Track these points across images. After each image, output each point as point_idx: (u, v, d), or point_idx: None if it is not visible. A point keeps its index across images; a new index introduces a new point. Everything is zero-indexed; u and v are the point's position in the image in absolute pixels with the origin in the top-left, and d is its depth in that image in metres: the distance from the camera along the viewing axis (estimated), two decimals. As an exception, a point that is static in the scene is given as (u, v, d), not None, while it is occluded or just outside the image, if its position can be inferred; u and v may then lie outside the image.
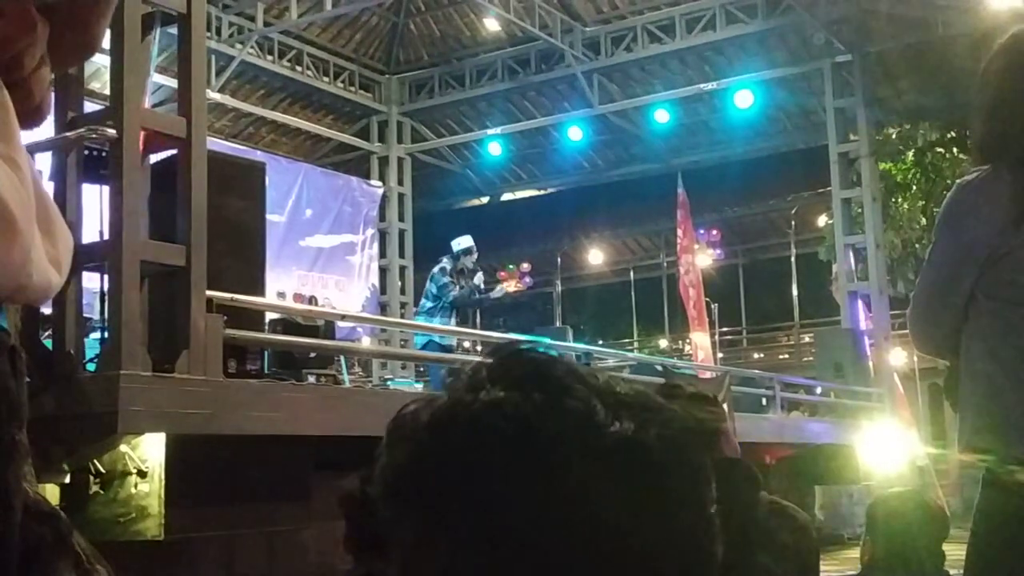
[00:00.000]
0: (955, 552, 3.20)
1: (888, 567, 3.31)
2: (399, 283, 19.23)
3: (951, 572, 3.27)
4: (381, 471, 0.72)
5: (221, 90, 15.99)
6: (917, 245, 18.16)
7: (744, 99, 17.18)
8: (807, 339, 26.01)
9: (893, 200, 18.78)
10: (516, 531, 0.65)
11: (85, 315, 5.77)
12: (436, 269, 11.87)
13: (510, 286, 13.73)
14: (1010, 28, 2.46)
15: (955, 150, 18.37)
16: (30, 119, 0.88)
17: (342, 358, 10.35)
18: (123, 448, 5.20)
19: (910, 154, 18.99)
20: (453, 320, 11.79)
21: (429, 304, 11.74)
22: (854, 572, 3.59)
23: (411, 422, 0.72)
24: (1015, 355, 2.24)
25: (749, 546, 2.37)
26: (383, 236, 19.09)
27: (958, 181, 2.41)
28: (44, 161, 5.68)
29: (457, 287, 11.61)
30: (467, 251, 11.80)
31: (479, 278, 11.91)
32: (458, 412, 0.70)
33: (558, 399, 0.69)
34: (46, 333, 5.59)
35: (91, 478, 5.27)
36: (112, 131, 5.27)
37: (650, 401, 0.73)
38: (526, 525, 0.65)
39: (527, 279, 24.94)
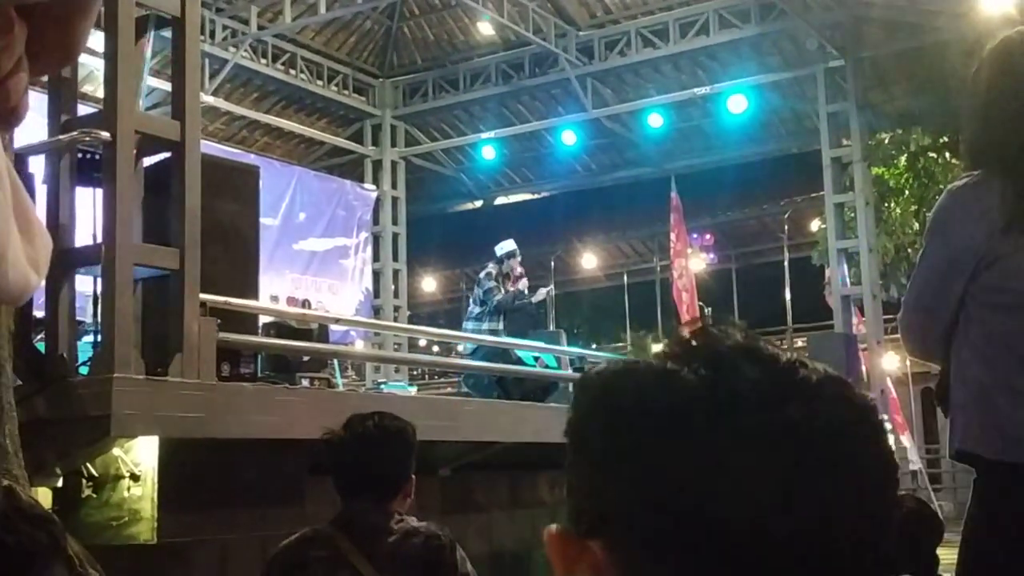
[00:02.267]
0: (948, 556, 3.21)
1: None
2: (392, 287, 19.22)
3: (943, 576, 3.28)
4: (568, 422, 0.77)
5: (215, 93, 15.98)
6: (910, 250, 18.18)
7: (738, 104, 17.21)
8: (800, 343, 26.01)
9: (886, 205, 18.80)
10: (665, 505, 0.68)
11: (78, 318, 5.76)
12: (482, 274, 12.02)
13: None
14: (1001, 34, 2.47)
15: (948, 155, 18.39)
16: (6, 121, 0.88)
17: (335, 362, 10.35)
18: (116, 452, 5.19)
19: (903, 159, 19.02)
20: (501, 324, 11.86)
21: (477, 309, 11.87)
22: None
23: (593, 379, 0.76)
24: (1004, 360, 2.25)
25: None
26: (376, 240, 19.08)
27: (948, 187, 2.42)
28: (37, 164, 5.67)
29: (502, 291, 11.71)
30: (510, 254, 11.92)
31: (523, 283, 11.99)
32: (629, 376, 0.73)
33: (722, 377, 0.70)
34: (39, 336, 5.58)
35: (84, 482, 5.26)
36: (106, 134, 5.27)
37: (830, 385, 0.75)
38: (677, 502, 0.68)
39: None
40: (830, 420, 0.72)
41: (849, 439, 0.72)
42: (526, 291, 12.06)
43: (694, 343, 0.74)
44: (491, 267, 11.92)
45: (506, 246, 11.97)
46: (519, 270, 11.95)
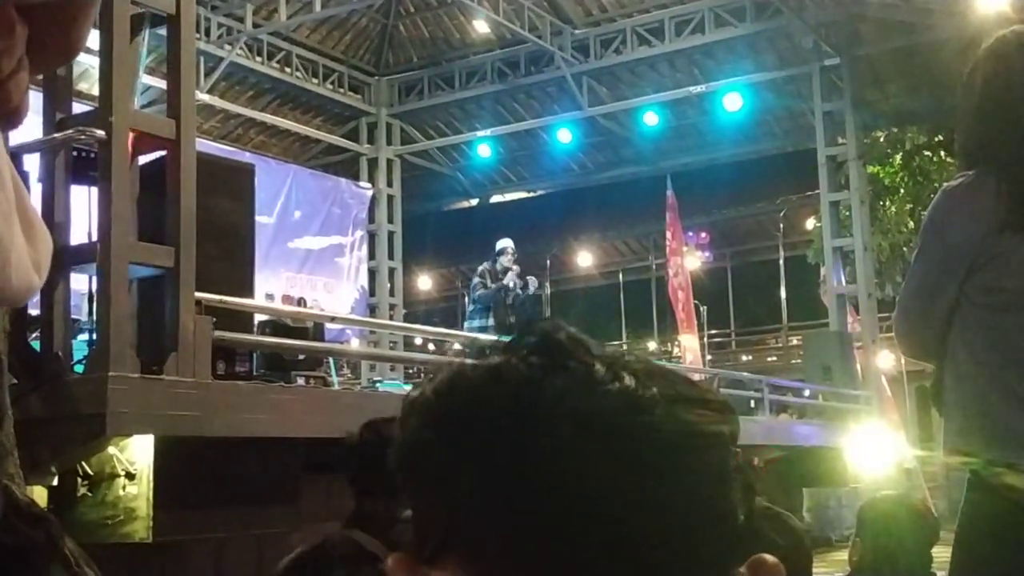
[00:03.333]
0: (942, 555, 3.22)
1: (876, 570, 3.32)
2: (388, 285, 19.23)
3: (938, 575, 3.29)
4: (395, 446, 0.71)
5: (210, 91, 15.97)
6: (905, 248, 18.23)
7: (733, 102, 17.23)
8: (795, 342, 26.08)
9: (881, 203, 18.86)
10: (512, 497, 0.64)
11: (73, 317, 5.76)
12: (479, 268, 12.23)
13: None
14: (996, 33, 2.47)
15: (943, 153, 18.45)
16: (7, 122, 0.88)
17: (331, 360, 10.34)
18: (111, 450, 5.19)
19: (898, 157, 19.08)
20: (490, 320, 11.93)
21: (471, 307, 12.05)
22: (842, 574, 3.60)
23: (418, 395, 0.71)
24: (999, 359, 2.25)
25: (743, 551, 2.38)
26: (372, 238, 19.08)
27: (943, 186, 2.42)
28: (32, 162, 5.66)
29: (483, 287, 11.81)
30: (501, 252, 12.05)
31: (510, 276, 12.04)
32: (457, 381, 0.69)
33: (557, 363, 0.67)
34: (34, 335, 5.57)
35: (79, 480, 5.26)
36: (101, 132, 5.26)
37: (660, 369, 0.71)
38: (520, 491, 0.64)
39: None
40: (663, 393, 0.68)
41: (688, 415, 0.68)
42: (511, 285, 12.08)
43: (525, 336, 0.70)
44: (485, 265, 12.02)
45: (498, 244, 12.08)
46: (507, 266, 12.01)
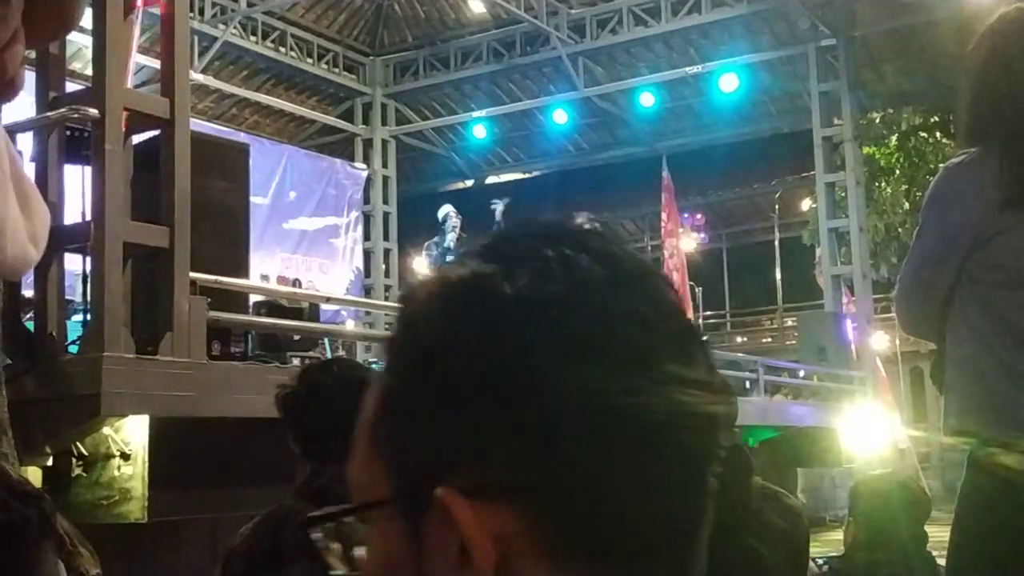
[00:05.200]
0: (936, 534, 3.22)
1: (870, 548, 3.33)
2: (383, 266, 19.21)
3: (932, 553, 3.29)
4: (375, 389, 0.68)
5: (204, 71, 15.90)
6: (900, 229, 18.25)
7: (729, 83, 17.20)
8: (790, 323, 26.12)
9: (876, 184, 18.87)
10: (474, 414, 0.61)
11: (67, 297, 5.74)
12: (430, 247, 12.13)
13: None
14: (996, 12, 2.46)
15: (938, 135, 18.45)
16: (2, 94, 0.87)
17: (326, 341, 10.34)
18: (106, 431, 5.18)
19: (893, 138, 19.07)
20: None
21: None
22: (837, 554, 3.61)
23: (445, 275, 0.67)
24: (1000, 338, 2.25)
25: (740, 530, 2.38)
26: (367, 219, 19.06)
27: (944, 165, 2.41)
28: (25, 141, 5.63)
29: (430, 255, 11.79)
30: (443, 219, 11.94)
31: (450, 238, 11.93)
32: (417, 288, 0.66)
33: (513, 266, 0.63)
34: (28, 315, 5.56)
35: (73, 460, 5.25)
36: (94, 111, 5.23)
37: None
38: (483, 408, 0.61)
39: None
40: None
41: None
42: (451, 244, 11.95)
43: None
44: (434, 239, 12.04)
45: (440, 212, 12.06)
46: (450, 231, 11.97)
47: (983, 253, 2.26)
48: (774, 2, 16.19)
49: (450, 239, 11.93)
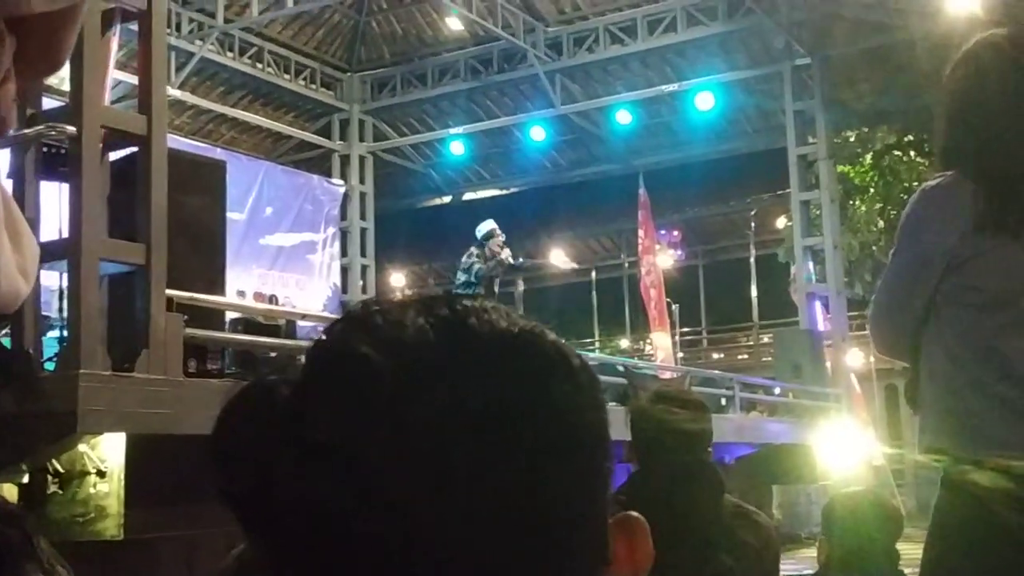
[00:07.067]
0: (909, 552, 3.25)
1: (844, 566, 3.35)
2: (361, 282, 19.19)
3: (906, 571, 3.31)
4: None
5: (181, 87, 15.88)
6: (875, 247, 18.35)
7: (705, 101, 17.30)
8: (766, 340, 26.18)
9: (851, 202, 18.96)
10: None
11: (43, 313, 5.72)
12: (464, 257, 12.02)
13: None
14: (969, 34, 2.49)
15: (912, 153, 18.58)
16: None
17: (303, 358, 10.30)
18: (82, 448, 5.16)
19: (868, 157, 19.19)
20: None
21: (462, 283, 11.85)
22: (811, 571, 3.63)
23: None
24: (974, 359, 2.27)
25: (712, 547, 2.40)
26: (344, 235, 19.04)
27: (920, 187, 2.44)
28: (2, 158, 5.63)
29: (482, 261, 11.71)
30: (489, 235, 11.86)
31: (507, 253, 11.92)
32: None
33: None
34: (4, 332, 5.54)
35: (49, 478, 5.23)
36: (72, 129, 5.23)
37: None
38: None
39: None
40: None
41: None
42: (509, 259, 12.03)
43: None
44: (473, 249, 11.93)
45: (484, 227, 11.95)
46: (500, 247, 11.93)
47: (958, 275, 2.28)
48: (749, 21, 16.31)
49: (507, 254, 11.87)
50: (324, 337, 0.66)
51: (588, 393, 0.65)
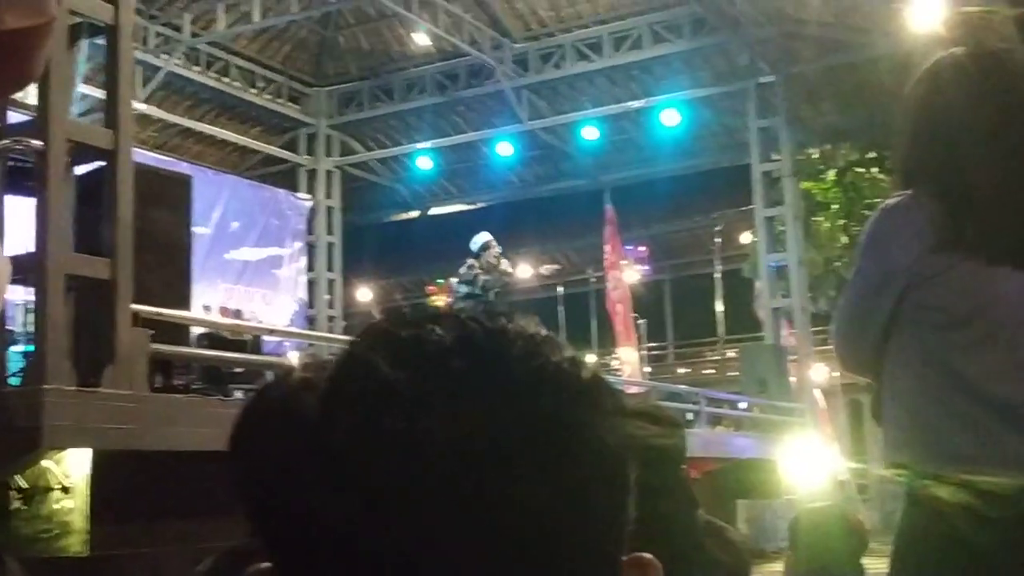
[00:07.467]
0: (874, 565, 3.29)
1: (810, 580, 3.38)
2: (327, 297, 19.13)
3: (870, 584, 3.35)
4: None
5: (147, 100, 15.80)
6: (838, 263, 18.48)
7: (670, 117, 17.42)
8: (732, 355, 26.31)
9: (814, 218, 19.11)
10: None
11: (8, 327, 5.68)
12: (462, 269, 12.01)
13: (440, 300, 13.86)
14: (931, 52, 2.52)
15: (874, 170, 18.75)
16: None
17: (269, 373, 10.27)
18: (46, 463, 5.12)
19: (831, 173, 19.35)
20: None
21: (461, 304, 11.76)
22: (777, 585, 3.66)
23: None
24: (935, 376, 2.30)
25: (686, 563, 2.42)
26: (311, 249, 18.98)
27: (880, 205, 2.47)
28: (-33, 172, 5.58)
29: (485, 272, 11.73)
30: (485, 246, 11.87)
31: (505, 263, 11.96)
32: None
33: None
34: (-33, 347, 5.49)
35: (12, 494, 5.18)
36: (39, 143, 5.20)
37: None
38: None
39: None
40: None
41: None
42: (509, 268, 12.10)
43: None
44: (471, 261, 11.94)
45: (479, 239, 11.96)
46: (496, 258, 11.96)
47: (919, 294, 2.31)
48: (714, 39, 16.43)
49: (506, 264, 11.93)
50: (350, 348, 0.65)
51: (611, 420, 0.64)
